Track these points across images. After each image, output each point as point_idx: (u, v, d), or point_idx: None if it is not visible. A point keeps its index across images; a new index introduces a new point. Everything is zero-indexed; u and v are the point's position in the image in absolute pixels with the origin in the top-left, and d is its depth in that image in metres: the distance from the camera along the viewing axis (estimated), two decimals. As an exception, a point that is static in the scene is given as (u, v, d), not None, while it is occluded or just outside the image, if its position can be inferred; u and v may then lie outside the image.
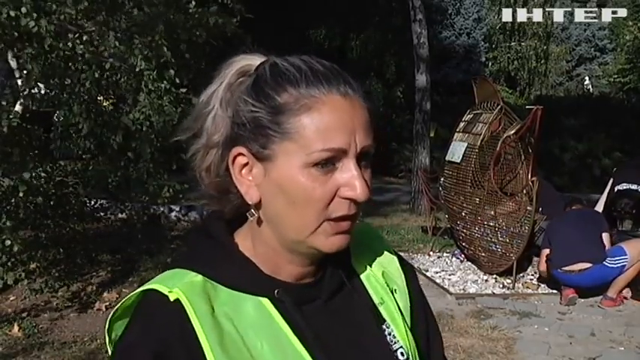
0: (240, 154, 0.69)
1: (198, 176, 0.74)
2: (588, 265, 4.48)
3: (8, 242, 3.81)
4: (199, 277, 0.69)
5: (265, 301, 0.69)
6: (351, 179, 0.66)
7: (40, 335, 3.98)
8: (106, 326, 0.71)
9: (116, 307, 0.70)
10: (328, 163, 0.65)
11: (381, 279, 0.80)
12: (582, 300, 4.67)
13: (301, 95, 0.66)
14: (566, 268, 4.55)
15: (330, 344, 0.70)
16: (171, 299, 0.66)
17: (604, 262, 4.49)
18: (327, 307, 0.74)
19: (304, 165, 0.65)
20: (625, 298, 4.69)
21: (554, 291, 4.92)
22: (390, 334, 0.76)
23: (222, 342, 0.65)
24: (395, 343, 0.75)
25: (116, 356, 0.68)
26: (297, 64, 0.68)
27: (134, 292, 0.69)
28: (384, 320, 0.77)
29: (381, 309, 0.77)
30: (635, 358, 3.76)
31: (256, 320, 0.68)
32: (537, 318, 4.41)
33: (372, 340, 0.74)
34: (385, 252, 0.85)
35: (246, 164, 0.69)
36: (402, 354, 0.75)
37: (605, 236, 4.69)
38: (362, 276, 0.80)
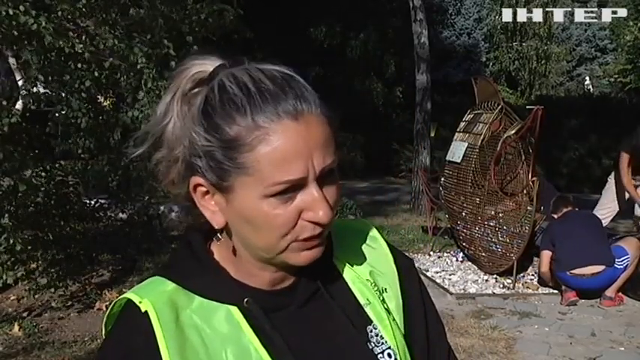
0: (199, 184, 0.68)
1: (164, 186, 0.74)
2: (602, 267, 4.44)
3: (11, 240, 3.81)
4: (172, 285, 0.70)
5: (234, 309, 0.69)
6: (312, 203, 0.65)
7: (40, 335, 3.98)
8: (104, 324, 0.75)
9: (105, 315, 0.74)
10: (289, 191, 0.64)
11: (366, 279, 0.79)
12: (582, 300, 4.65)
13: (251, 126, 0.63)
14: (577, 272, 4.48)
15: (302, 352, 0.70)
16: (142, 309, 0.68)
17: (614, 265, 4.47)
18: (302, 313, 0.73)
19: (263, 196, 0.64)
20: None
21: (555, 291, 4.91)
22: (377, 335, 0.75)
23: (183, 352, 0.66)
24: (382, 344, 0.74)
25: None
26: (246, 83, 0.65)
27: (117, 300, 0.72)
28: (371, 321, 0.75)
29: (367, 309, 0.76)
30: (636, 359, 3.75)
31: (225, 330, 0.68)
32: (537, 318, 4.41)
33: (351, 344, 0.73)
34: (377, 249, 0.83)
35: (207, 192, 0.69)
36: (389, 355, 0.74)
37: None
38: (346, 277, 0.78)
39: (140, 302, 0.68)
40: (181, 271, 0.72)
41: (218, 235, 0.73)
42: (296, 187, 0.64)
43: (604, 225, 5.33)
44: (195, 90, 0.69)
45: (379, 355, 0.73)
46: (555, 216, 4.94)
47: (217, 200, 0.68)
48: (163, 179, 0.73)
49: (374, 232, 0.86)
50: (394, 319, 0.78)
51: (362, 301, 0.77)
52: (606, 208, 5.57)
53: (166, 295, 0.69)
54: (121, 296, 0.72)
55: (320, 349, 0.72)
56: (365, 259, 0.81)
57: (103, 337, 0.74)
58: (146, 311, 0.67)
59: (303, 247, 0.68)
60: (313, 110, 0.65)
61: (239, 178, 0.65)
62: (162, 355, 0.65)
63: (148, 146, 0.72)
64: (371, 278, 0.79)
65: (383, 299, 0.78)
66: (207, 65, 0.69)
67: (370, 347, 0.74)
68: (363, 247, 0.82)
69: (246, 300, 0.70)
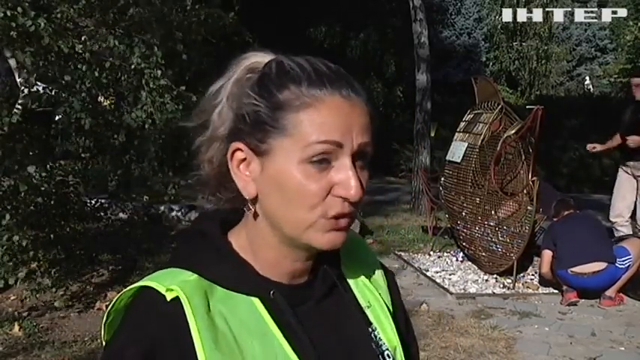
0: (238, 149, 0.70)
1: (201, 166, 0.76)
2: (604, 265, 4.44)
3: (16, 238, 3.81)
4: (194, 276, 0.69)
5: (256, 301, 0.70)
6: (345, 178, 0.66)
7: (40, 335, 3.97)
8: (103, 324, 0.72)
9: (111, 303, 0.71)
10: (324, 161, 0.65)
11: (369, 283, 0.82)
12: (582, 300, 4.65)
13: (302, 93, 0.66)
14: (577, 270, 4.47)
15: (322, 346, 0.71)
16: (169, 297, 0.66)
17: (616, 264, 4.47)
18: (319, 308, 0.74)
19: (300, 161, 0.65)
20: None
21: (555, 291, 4.91)
22: (376, 337, 0.77)
23: (217, 341, 0.65)
24: (381, 345, 0.77)
25: (107, 356, 0.68)
26: (302, 64, 0.69)
27: (129, 288, 0.70)
28: (371, 323, 0.78)
29: (368, 312, 0.78)
30: (636, 359, 3.76)
31: (249, 320, 0.68)
32: (538, 318, 4.41)
33: (361, 342, 0.75)
34: (370, 258, 0.86)
35: (244, 159, 0.70)
36: (388, 356, 0.76)
37: None
38: (350, 280, 0.80)
39: (167, 290, 0.66)
40: (199, 262, 0.71)
41: (248, 205, 0.72)
42: (332, 155, 0.66)
43: (627, 225, 5.36)
44: (249, 75, 0.72)
45: (382, 354, 0.76)
46: (556, 219, 4.95)
47: (252, 169, 0.70)
48: (202, 157, 0.75)
49: (364, 242, 0.90)
50: (390, 322, 0.80)
51: (363, 303, 0.79)
52: (619, 204, 5.54)
53: (191, 283, 0.68)
54: (132, 286, 0.69)
55: (337, 344, 0.73)
56: (363, 265, 0.84)
57: (104, 336, 0.72)
58: (175, 298, 0.65)
59: (330, 226, 0.67)
60: (360, 100, 0.69)
61: (279, 140, 0.66)
62: (195, 346, 0.64)
63: (196, 125, 0.75)
64: (369, 283, 0.82)
65: (384, 301, 0.82)
66: (265, 57, 0.73)
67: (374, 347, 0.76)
68: (360, 253, 0.85)
69: (272, 292, 0.70)
